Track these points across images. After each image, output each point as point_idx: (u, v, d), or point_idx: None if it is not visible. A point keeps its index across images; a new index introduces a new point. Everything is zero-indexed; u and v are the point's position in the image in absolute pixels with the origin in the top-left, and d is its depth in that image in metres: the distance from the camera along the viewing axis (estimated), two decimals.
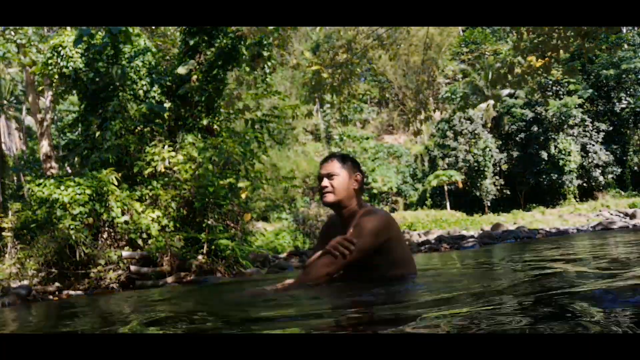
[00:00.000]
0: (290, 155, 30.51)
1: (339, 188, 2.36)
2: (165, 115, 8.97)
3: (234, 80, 10.05)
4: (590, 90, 28.76)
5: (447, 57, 35.05)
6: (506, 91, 29.87)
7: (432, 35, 30.07)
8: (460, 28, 33.17)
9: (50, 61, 9.23)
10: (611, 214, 20.30)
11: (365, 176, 2.64)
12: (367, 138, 34.98)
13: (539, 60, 8.70)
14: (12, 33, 12.03)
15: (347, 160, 2.43)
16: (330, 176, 2.39)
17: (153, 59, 9.45)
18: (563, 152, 28.04)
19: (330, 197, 2.38)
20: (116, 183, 7.34)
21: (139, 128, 8.69)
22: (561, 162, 27.96)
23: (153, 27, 12.74)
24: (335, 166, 2.40)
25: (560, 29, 8.07)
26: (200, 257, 7.16)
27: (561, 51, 8.68)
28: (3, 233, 8.03)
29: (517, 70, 9.38)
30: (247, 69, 9.73)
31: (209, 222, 7.53)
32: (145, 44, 9.57)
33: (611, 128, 28.82)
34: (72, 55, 9.14)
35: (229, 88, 10.08)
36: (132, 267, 7.01)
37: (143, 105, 8.67)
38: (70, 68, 9.10)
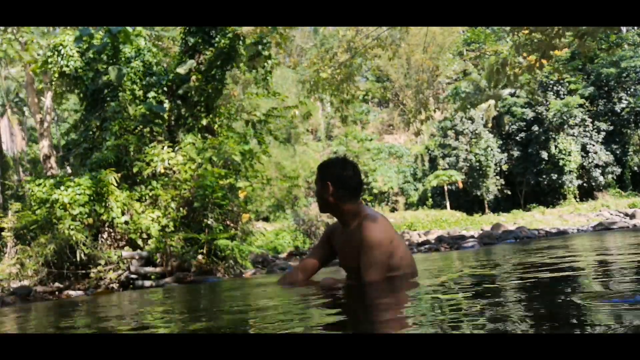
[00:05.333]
0: (294, 155, 30.52)
1: (318, 199, 2.44)
2: (165, 115, 8.97)
3: (229, 78, 10.04)
4: (592, 88, 28.77)
5: (448, 58, 35.05)
6: (507, 90, 29.89)
7: (433, 34, 30.05)
8: (460, 28, 33.17)
9: (50, 60, 9.23)
10: (611, 214, 20.30)
11: (343, 180, 2.44)
12: (371, 139, 35.00)
13: (534, 57, 8.71)
14: (15, 31, 12.04)
15: (321, 168, 2.43)
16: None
17: (154, 59, 9.45)
18: (563, 152, 28.06)
19: (318, 208, 2.50)
20: (116, 183, 7.34)
21: (138, 128, 8.69)
22: (561, 162, 27.97)
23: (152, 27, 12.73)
24: (316, 178, 2.45)
25: (556, 28, 8.07)
26: (200, 257, 7.16)
27: (558, 51, 8.69)
28: (3, 233, 8.02)
29: (510, 67, 9.39)
30: (245, 68, 9.72)
31: (209, 222, 7.53)
32: (145, 44, 9.56)
33: (611, 128, 28.82)
34: (73, 55, 9.14)
35: (227, 88, 10.08)
36: (132, 267, 7.01)
37: (142, 105, 8.67)
38: (71, 67, 9.10)
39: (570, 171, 28.11)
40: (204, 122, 9.23)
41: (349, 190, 2.35)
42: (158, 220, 7.48)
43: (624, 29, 27.07)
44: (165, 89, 9.27)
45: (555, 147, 28.20)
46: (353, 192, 2.36)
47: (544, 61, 8.63)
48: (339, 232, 2.43)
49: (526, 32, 8.56)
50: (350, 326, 1.37)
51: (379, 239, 2.20)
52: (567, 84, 29.10)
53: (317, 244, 2.67)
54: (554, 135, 28.41)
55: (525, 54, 8.94)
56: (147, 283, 6.76)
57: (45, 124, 14.25)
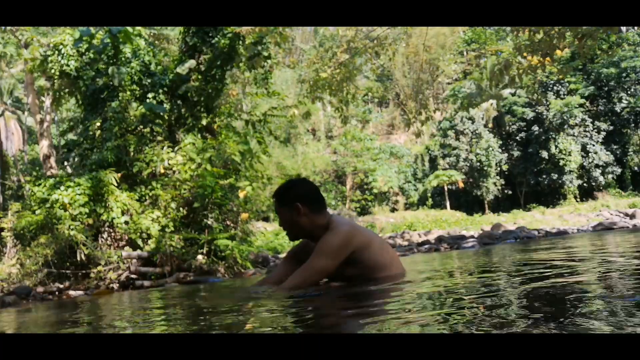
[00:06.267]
0: (294, 155, 30.50)
1: (285, 227, 2.34)
2: (165, 115, 8.97)
3: (228, 78, 10.04)
4: (592, 88, 28.80)
5: (449, 58, 35.05)
6: (508, 90, 29.92)
7: (437, 34, 30.07)
8: (461, 28, 33.17)
9: (50, 59, 9.22)
10: (611, 214, 20.30)
11: (310, 195, 2.36)
12: (372, 139, 35.00)
13: (536, 58, 8.71)
14: (15, 30, 12.04)
15: (283, 194, 2.34)
16: (278, 217, 2.39)
17: (153, 59, 9.45)
18: (563, 152, 28.07)
19: (288, 238, 2.40)
20: (116, 183, 7.34)
21: (138, 128, 8.69)
22: (561, 162, 27.99)
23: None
24: (275, 208, 2.38)
25: (557, 28, 8.08)
26: (200, 257, 7.16)
27: (559, 51, 8.69)
28: (3, 233, 8.02)
29: (514, 69, 9.40)
30: (245, 68, 9.71)
31: (209, 222, 7.53)
32: (145, 44, 9.56)
33: (611, 128, 28.84)
34: (73, 54, 9.13)
35: (226, 87, 10.09)
36: (132, 267, 7.01)
37: (142, 105, 8.67)
38: (71, 66, 9.09)
39: (570, 171, 28.14)
40: (204, 122, 9.24)
41: (318, 203, 2.31)
42: (158, 220, 7.48)
43: (624, 28, 27.08)
44: (165, 89, 9.27)
45: (556, 147, 28.22)
46: (322, 203, 2.33)
47: (547, 60, 8.63)
48: (311, 248, 2.35)
49: (527, 32, 8.56)
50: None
51: (334, 245, 2.16)
52: (567, 84, 29.13)
53: (280, 264, 2.63)
54: (554, 135, 28.43)
55: (526, 54, 8.94)
56: (147, 283, 6.76)
57: (45, 124, 14.23)
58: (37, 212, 7.11)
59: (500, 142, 30.41)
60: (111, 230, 7.38)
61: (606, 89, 29.11)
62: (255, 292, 2.45)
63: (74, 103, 10.92)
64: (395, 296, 1.90)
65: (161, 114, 8.79)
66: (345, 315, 1.58)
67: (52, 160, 13.98)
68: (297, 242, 2.53)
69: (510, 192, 30.50)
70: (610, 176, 28.93)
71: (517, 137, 29.98)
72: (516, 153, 29.94)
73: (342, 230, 2.21)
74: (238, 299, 2.56)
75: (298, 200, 2.27)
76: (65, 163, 11.16)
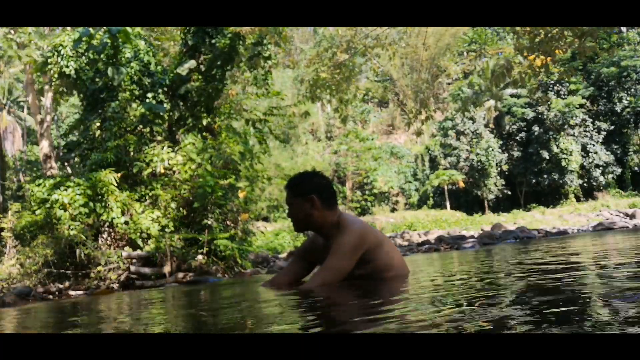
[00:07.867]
0: (293, 156, 30.52)
1: (296, 218, 2.32)
2: (165, 115, 8.97)
3: (228, 77, 10.06)
4: (592, 88, 28.82)
5: (450, 59, 35.06)
6: (508, 90, 29.92)
7: (441, 35, 30.10)
8: (462, 28, 33.16)
9: (50, 60, 9.21)
10: (611, 214, 20.32)
11: (326, 188, 2.36)
12: (373, 139, 35.02)
13: (539, 58, 8.72)
14: (12, 32, 12.04)
15: (298, 185, 2.32)
16: (288, 207, 2.36)
17: (153, 59, 9.44)
18: (564, 152, 28.08)
19: (294, 229, 2.40)
20: (116, 183, 7.34)
21: (138, 128, 8.69)
22: (562, 162, 27.99)
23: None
24: (288, 198, 2.35)
25: (557, 29, 8.09)
26: (200, 257, 7.16)
27: (559, 51, 8.70)
28: (3, 233, 8.03)
29: (516, 70, 9.43)
30: (245, 68, 9.71)
31: (209, 222, 7.53)
32: (145, 44, 9.56)
33: (612, 128, 28.85)
34: (72, 55, 9.12)
35: (226, 87, 10.10)
36: (132, 267, 7.01)
37: (142, 105, 8.67)
38: (71, 67, 9.08)
39: (570, 171, 28.15)
40: (204, 122, 9.24)
41: (332, 198, 2.31)
42: (158, 220, 7.48)
43: (624, 28, 27.10)
44: (165, 89, 9.27)
45: (557, 146, 28.24)
46: (335, 199, 2.33)
47: (549, 60, 8.64)
48: (321, 248, 2.35)
49: (528, 30, 8.57)
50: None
51: (350, 245, 2.17)
52: (567, 84, 29.15)
53: (288, 264, 2.61)
54: (554, 135, 28.44)
55: (526, 54, 8.95)
56: (147, 283, 6.77)
57: (45, 124, 14.23)
58: (37, 212, 7.11)
59: (501, 142, 30.43)
60: (111, 230, 7.38)
61: (606, 89, 29.12)
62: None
63: (72, 103, 10.91)
64: (398, 296, 1.90)
65: (161, 113, 8.79)
66: (348, 314, 1.59)
67: (53, 160, 13.98)
68: (301, 242, 2.54)
69: (510, 192, 30.52)
70: (610, 176, 28.95)
71: (518, 137, 30.00)
72: (516, 153, 29.96)
73: (356, 230, 2.21)
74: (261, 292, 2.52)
75: (314, 192, 2.26)
76: (65, 163, 11.15)
